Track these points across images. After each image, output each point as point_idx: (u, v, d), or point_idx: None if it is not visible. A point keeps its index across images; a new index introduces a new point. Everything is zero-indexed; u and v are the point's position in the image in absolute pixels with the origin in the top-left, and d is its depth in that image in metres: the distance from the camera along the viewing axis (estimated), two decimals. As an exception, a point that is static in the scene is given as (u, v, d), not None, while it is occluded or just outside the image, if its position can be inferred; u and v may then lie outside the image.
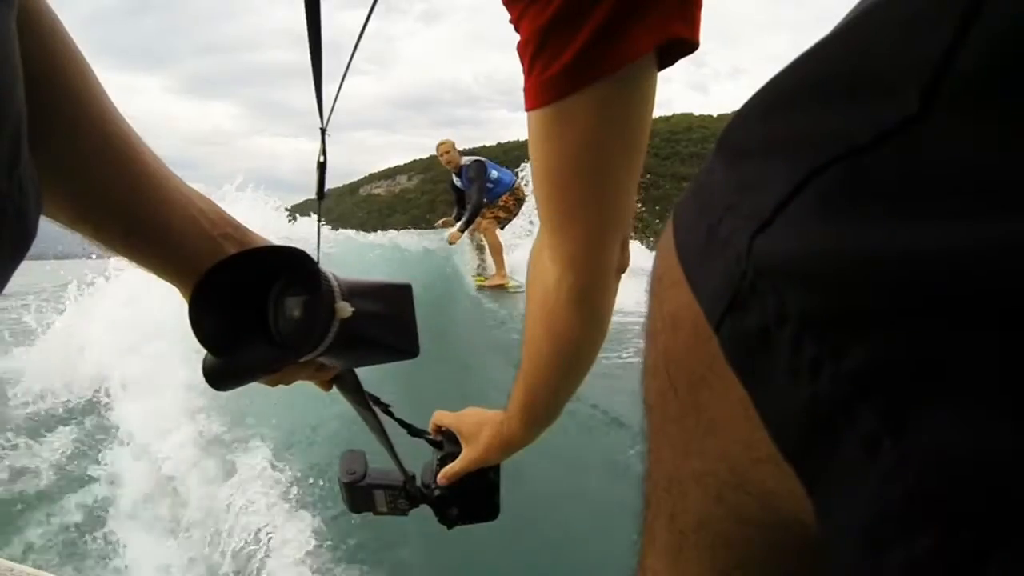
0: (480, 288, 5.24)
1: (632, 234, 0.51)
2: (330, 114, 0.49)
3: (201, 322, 0.40)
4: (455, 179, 5.34)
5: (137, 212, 0.39)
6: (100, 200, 0.38)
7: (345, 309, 0.43)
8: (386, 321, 0.48)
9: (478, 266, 5.63)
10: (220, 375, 0.45)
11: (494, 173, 5.16)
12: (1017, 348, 0.14)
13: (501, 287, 5.14)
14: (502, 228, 5.28)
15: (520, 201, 5.28)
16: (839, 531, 0.18)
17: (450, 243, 5.24)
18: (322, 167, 0.52)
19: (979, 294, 0.15)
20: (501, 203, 5.18)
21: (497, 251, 5.22)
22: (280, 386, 0.51)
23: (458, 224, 5.13)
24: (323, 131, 0.50)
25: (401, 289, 0.51)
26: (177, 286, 0.43)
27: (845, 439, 0.17)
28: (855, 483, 0.17)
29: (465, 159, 5.19)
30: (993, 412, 0.14)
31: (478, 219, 5.15)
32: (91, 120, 0.36)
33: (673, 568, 0.31)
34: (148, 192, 0.39)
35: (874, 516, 0.16)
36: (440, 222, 6.11)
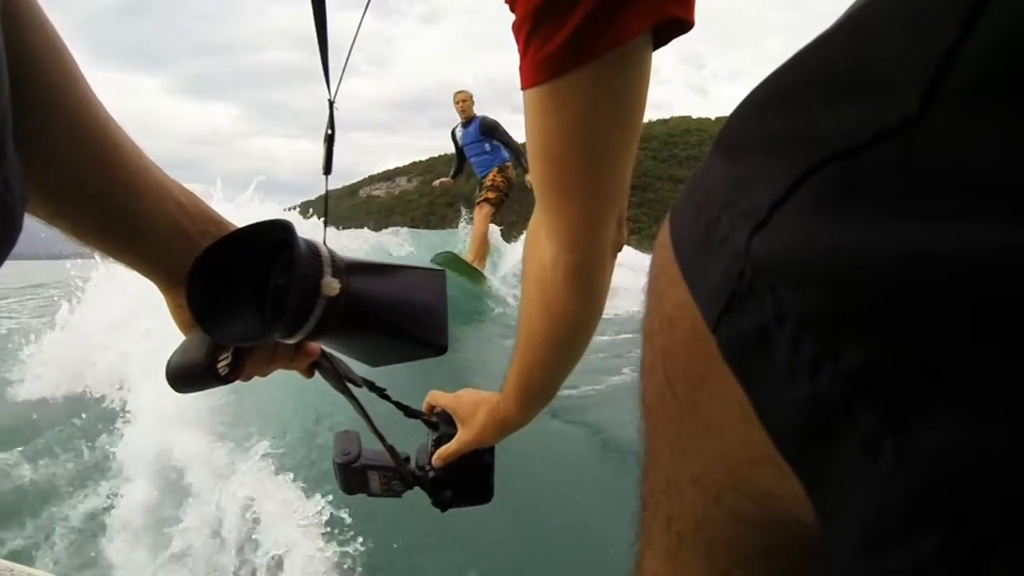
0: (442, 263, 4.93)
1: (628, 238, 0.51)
2: (337, 88, 0.48)
3: (194, 296, 0.39)
4: (459, 130, 5.20)
5: (113, 206, 0.39)
6: (76, 194, 0.37)
7: (331, 286, 0.40)
8: (403, 307, 0.45)
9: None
10: (183, 377, 0.44)
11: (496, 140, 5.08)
12: (1016, 347, 0.14)
13: (470, 268, 4.88)
14: (496, 212, 5.09)
15: (509, 180, 5.10)
16: (840, 531, 0.18)
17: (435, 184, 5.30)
18: (330, 140, 0.51)
19: (979, 294, 0.15)
20: (488, 182, 5.02)
21: (479, 238, 5.03)
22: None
23: (513, 168, 5.01)
24: (331, 103, 0.49)
25: (431, 274, 0.48)
26: (155, 282, 0.43)
27: (845, 439, 0.17)
28: (856, 483, 0.17)
29: (480, 115, 5.12)
30: (993, 411, 0.14)
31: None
32: (70, 112, 0.35)
33: (671, 570, 0.31)
34: (125, 185, 0.39)
35: (875, 516, 0.16)
36: (438, 182, 6.00)
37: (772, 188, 0.20)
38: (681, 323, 0.25)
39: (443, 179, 5.79)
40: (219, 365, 0.43)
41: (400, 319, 0.45)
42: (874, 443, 0.16)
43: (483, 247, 4.99)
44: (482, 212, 5.01)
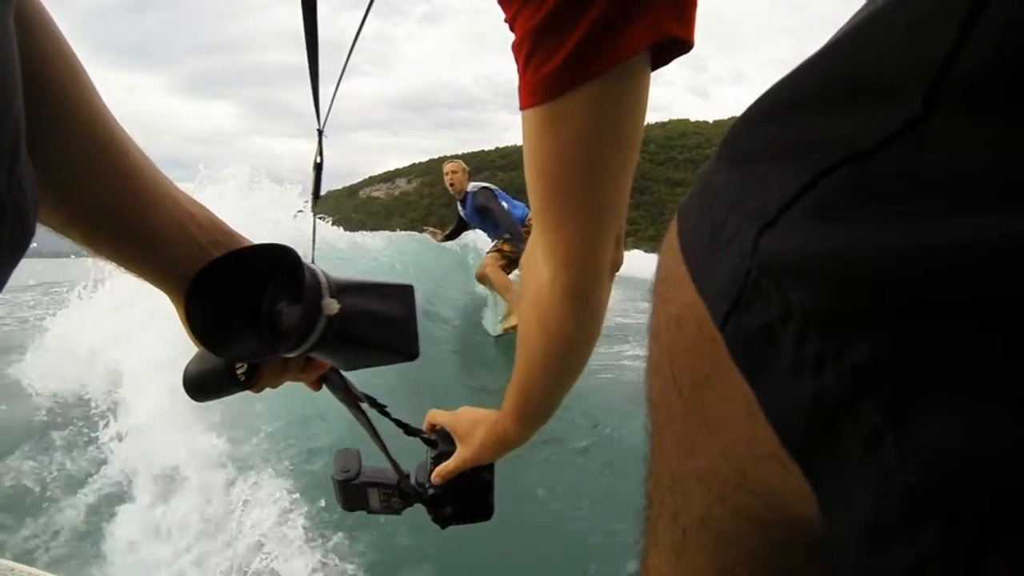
0: (506, 332, 4.42)
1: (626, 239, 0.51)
2: (326, 116, 0.49)
3: (194, 316, 0.40)
4: (459, 207, 4.75)
5: (125, 215, 0.39)
6: (88, 202, 0.37)
7: (331, 306, 0.43)
8: (383, 321, 0.48)
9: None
10: (200, 385, 0.46)
11: (503, 204, 4.52)
12: (1017, 345, 0.15)
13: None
14: (509, 270, 4.50)
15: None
16: (842, 527, 0.18)
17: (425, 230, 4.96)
18: (318, 168, 0.52)
19: (981, 292, 0.15)
20: (507, 237, 4.46)
21: (506, 289, 4.40)
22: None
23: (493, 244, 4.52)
24: (320, 132, 0.50)
25: (402, 289, 0.50)
26: (165, 291, 0.43)
27: (848, 435, 0.17)
28: (858, 479, 0.17)
29: (471, 185, 4.63)
30: (993, 408, 0.15)
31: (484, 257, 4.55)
32: (80, 120, 0.36)
33: (676, 567, 0.31)
34: (136, 195, 0.39)
35: (876, 512, 0.16)
36: (428, 230, 5.59)
37: (781, 191, 0.20)
38: (688, 322, 0.25)
39: (435, 230, 5.36)
40: (238, 372, 0.45)
41: (381, 331, 0.49)
42: (876, 439, 0.16)
43: (515, 295, 4.40)
44: (491, 265, 4.46)
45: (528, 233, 3.79)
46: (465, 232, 5.16)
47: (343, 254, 4.81)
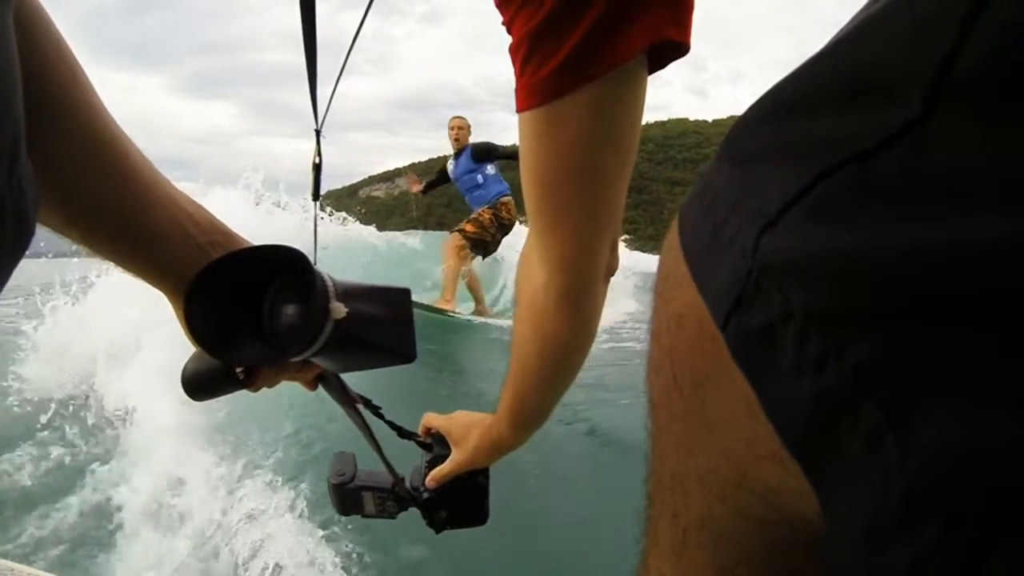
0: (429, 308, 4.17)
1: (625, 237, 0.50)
2: (324, 116, 0.49)
3: (194, 319, 0.40)
4: (450, 164, 4.68)
5: (124, 216, 0.39)
6: (87, 203, 0.38)
7: (339, 309, 0.43)
8: (382, 324, 0.48)
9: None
10: (198, 385, 0.46)
11: (490, 169, 4.50)
12: (1017, 344, 0.15)
13: (441, 312, 4.10)
14: (482, 255, 4.40)
15: (501, 222, 4.37)
16: (843, 527, 0.18)
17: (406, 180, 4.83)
18: (317, 168, 0.52)
19: (981, 292, 0.15)
20: (475, 215, 4.43)
21: (452, 274, 4.28)
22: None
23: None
24: (318, 133, 0.50)
25: (399, 293, 0.51)
26: (164, 292, 0.43)
27: (849, 435, 0.17)
28: (859, 478, 0.17)
29: (472, 142, 4.61)
30: (993, 408, 0.15)
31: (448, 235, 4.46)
32: (80, 122, 0.36)
33: (676, 566, 0.31)
34: (136, 196, 0.39)
35: (876, 512, 0.17)
36: (409, 177, 5.35)
37: (782, 191, 0.21)
38: (689, 322, 0.25)
39: (416, 179, 5.20)
40: (236, 371, 0.45)
41: (380, 334, 0.49)
42: (877, 438, 0.17)
43: (454, 285, 4.29)
44: (452, 248, 4.30)
45: (496, 214, 3.62)
46: (437, 186, 5.06)
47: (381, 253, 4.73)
